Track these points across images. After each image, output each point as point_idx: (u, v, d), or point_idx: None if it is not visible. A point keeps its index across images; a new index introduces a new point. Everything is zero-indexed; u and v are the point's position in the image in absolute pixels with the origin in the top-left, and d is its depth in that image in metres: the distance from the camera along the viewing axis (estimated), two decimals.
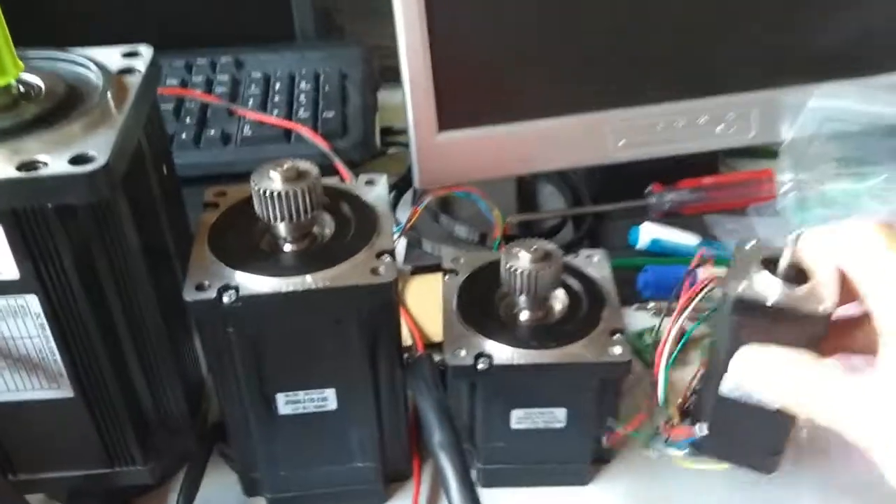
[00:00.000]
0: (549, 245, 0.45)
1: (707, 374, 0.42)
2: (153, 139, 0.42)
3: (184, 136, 0.69)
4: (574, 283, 0.48)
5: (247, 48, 0.79)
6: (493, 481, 0.48)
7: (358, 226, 0.42)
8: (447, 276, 0.49)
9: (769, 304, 0.37)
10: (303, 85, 0.75)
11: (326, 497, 0.47)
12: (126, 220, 0.38)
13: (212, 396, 0.50)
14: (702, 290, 0.42)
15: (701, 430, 0.42)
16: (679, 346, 0.43)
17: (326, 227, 0.43)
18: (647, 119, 0.60)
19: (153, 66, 0.42)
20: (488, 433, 0.46)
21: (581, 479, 0.49)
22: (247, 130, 0.69)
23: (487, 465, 0.48)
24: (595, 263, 0.49)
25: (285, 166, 0.39)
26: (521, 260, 0.44)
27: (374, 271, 0.39)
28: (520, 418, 0.45)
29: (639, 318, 0.58)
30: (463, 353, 0.44)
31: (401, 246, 0.65)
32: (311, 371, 0.42)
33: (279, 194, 0.39)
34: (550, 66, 0.58)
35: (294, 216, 0.39)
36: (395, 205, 0.69)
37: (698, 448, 0.43)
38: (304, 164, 0.40)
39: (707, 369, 0.42)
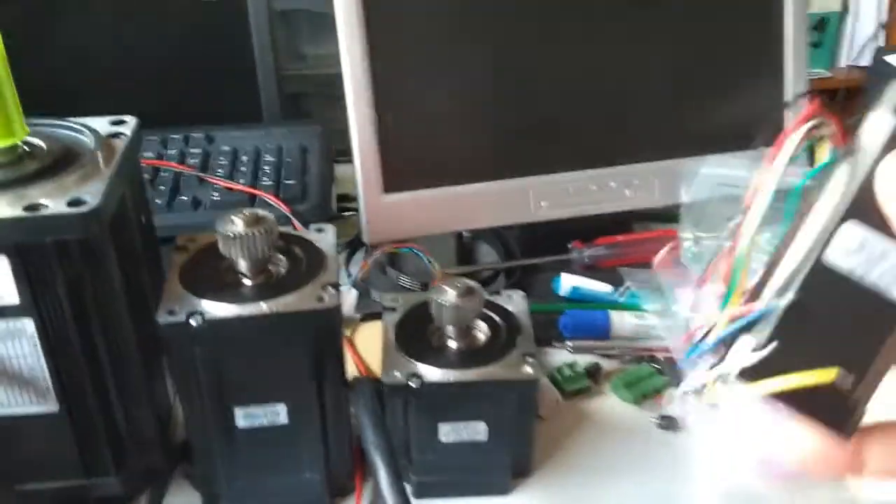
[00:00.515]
0: (472, 283, 0.53)
1: (799, 248, 0.28)
2: (135, 193, 0.50)
3: (158, 201, 0.77)
4: (495, 317, 0.56)
5: (217, 126, 0.88)
6: (425, 493, 0.55)
7: (308, 264, 0.50)
8: (386, 314, 0.57)
9: None
10: (267, 157, 0.83)
11: None
12: (111, 259, 0.46)
13: (178, 420, 0.57)
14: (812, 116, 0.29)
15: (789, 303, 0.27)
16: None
17: (281, 265, 0.51)
18: (564, 184, 0.69)
19: (136, 132, 0.50)
20: (420, 446, 0.53)
21: (503, 489, 0.55)
22: (215, 196, 0.78)
23: (421, 478, 0.54)
24: (514, 301, 0.58)
25: (246, 213, 0.47)
26: (448, 295, 0.52)
27: (320, 299, 0.47)
28: (447, 432, 0.53)
29: (558, 356, 0.66)
30: (398, 374, 0.51)
31: (352, 296, 0.72)
32: (265, 387, 0.49)
33: (240, 235, 0.46)
34: (480, 139, 0.68)
35: (253, 254, 0.47)
36: (348, 261, 0.77)
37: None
38: (262, 212, 0.48)
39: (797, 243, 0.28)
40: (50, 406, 0.47)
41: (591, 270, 0.72)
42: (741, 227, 0.29)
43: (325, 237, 0.53)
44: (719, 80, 0.71)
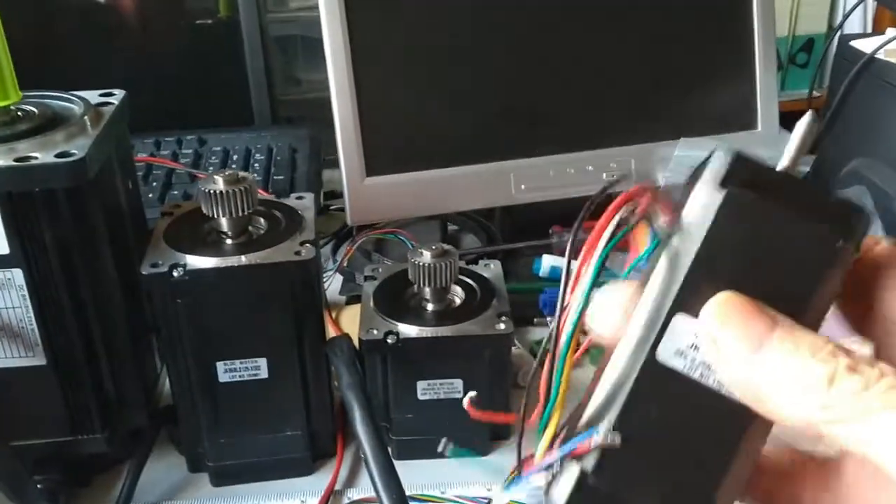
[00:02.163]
0: (447, 246, 0.55)
1: (623, 348, 0.24)
2: (121, 157, 0.53)
3: (151, 195, 0.79)
4: (471, 282, 0.57)
5: (209, 130, 0.91)
6: (405, 453, 0.56)
7: (286, 225, 0.52)
8: (366, 282, 0.59)
9: (782, 166, 0.23)
10: (257, 156, 0.86)
11: (261, 466, 0.54)
12: (97, 213, 0.48)
13: (164, 389, 0.58)
14: (626, 202, 0.24)
15: (610, 438, 0.23)
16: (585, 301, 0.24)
17: (261, 228, 0.53)
18: (543, 167, 0.71)
19: (124, 103, 0.53)
20: (399, 405, 0.55)
21: (482, 449, 0.57)
22: None
23: (400, 437, 0.55)
24: (491, 269, 0.59)
25: (227, 172, 0.49)
26: (425, 256, 0.54)
27: (297, 253, 0.49)
28: (424, 389, 0.54)
29: (538, 331, 0.68)
30: (375, 331, 0.53)
31: (337, 280, 0.74)
32: (246, 341, 0.50)
33: (222, 193, 0.49)
34: (461, 124, 0.70)
35: (233, 212, 0.49)
36: (334, 251, 0.79)
37: (576, 489, 0.23)
38: (243, 173, 0.50)
39: (623, 339, 0.24)
40: (38, 359, 0.49)
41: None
42: (560, 329, 0.24)
43: (304, 203, 0.55)
44: (694, 66, 0.73)
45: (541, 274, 0.72)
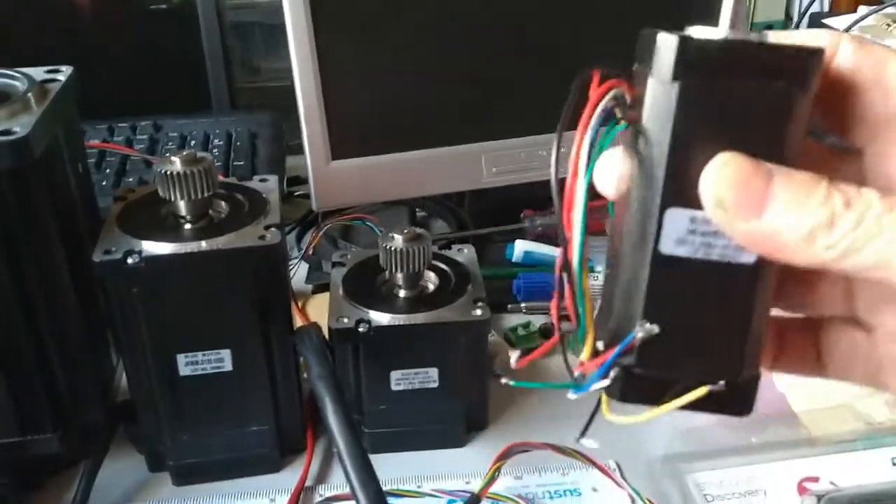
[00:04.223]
0: (420, 229, 0.52)
1: (624, 243, 0.25)
2: (71, 140, 0.49)
3: (104, 183, 0.75)
4: (444, 267, 0.55)
5: (165, 116, 0.87)
6: (378, 446, 0.53)
7: (250, 208, 0.49)
8: (334, 269, 0.56)
9: (727, 37, 0.23)
10: (216, 141, 0.83)
11: (226, 464, 0.51)
12: (43, 197, 0.44)
13: (121, 384, 0.55)
14: (609, 90, 0.24)
15: (646, 331, 0.24)
16: (590, 170, 0.24)
17: (222, 212, 0.50)
18: (514, 150, 0.69)
19: (72, 79, 0.49)
20: (372, 396, 0.52)
21: (457, 441, 0.54)
22: None
23: (373, 430, 0.53)
24: (464, 254, 0.57)
25: (184, 153, 0.46)
26: (396, 240, 0.51)
27: (262, 238, 0.46)
28: (398, 379, 0.51)
29: (513, 318, 0.65)
30: (346, 319, 0.50)
31: (303, 269, 0.71)
32: (208, 332, 0.47)
33: (178, 174, 0.46)
34: (429, 106, 0.68)
35: (192, 194, 0.46)
36: (299, 239, 0.76)
37: (628, 379, 0.25)
38: (201, 153, 0.47)
39: (622, 238, 0.25)
40: None
41: (543, 239, 0.71)
42: (570, 240, 0.24)
43: (268, 186, 0.52)
44: None
45: (514, 259, 0.70)
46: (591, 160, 0.24)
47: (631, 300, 0.24)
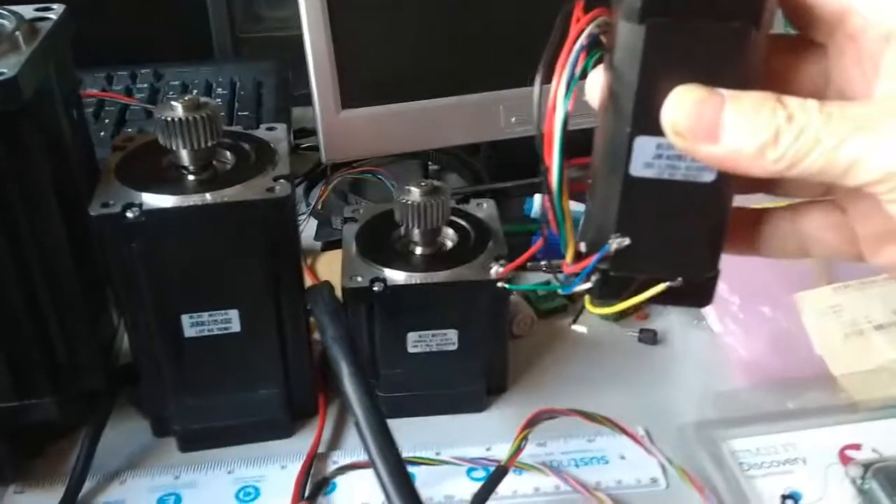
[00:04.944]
0: (438, 182, 0.49)
1: (600, 163, 0.28)
2: (64, 84, 0.46)
3: (102, 133, 0.72)
4: (463, 223, 0.52)
5: (166, 63, 0.83)
6: (394, 411, 0.50)
7: (257, 159, 0.46)
8: (346, 224, 0.53)
9: None
10: (219, 90, 0.79)
11: (234, 429, 0.49)
12: (35, 143, 0.41)
13: (122, 345, 0.52)
14: (594, 19, 0.27)
15: (618, 243, 0.28)
16: (566, 100, 0.26)
17: (227, 162, 0.46)
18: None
19: (64, 18, 0.46)
20: (387, 359, 0.49)
21: (477, 405, 0.52)
22: None
23: (388, 394, 0.50)
24: (484, 209, 0.54)
25: (186, 97, 0.43)
26: (413, 194, 0.48)
27: (270, 190, 0.43)
28: (415, 341, 0.49)
29: (532, 276, 0.62)
30: (360, 278, 0.47)
31: (312, 224, 0.68)
32: (215, 291, 0.44)
33: (180, 121, 0.42)
34: (444, 51, 0.64)
35: (195, 143, 0.43)
36: (307, 193, 0.73)
37: (605, 282, 0.29)
38: (205, 98, 0.44)
39: (598, 159, 0.28)
40: None
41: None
42: (549, 153, 0.27)
43: (276, 135, 0.49)
44: None
45: (532, 215, 0.67)
46: (568, 90, 0.26)
47: (606, 216, 0.28)
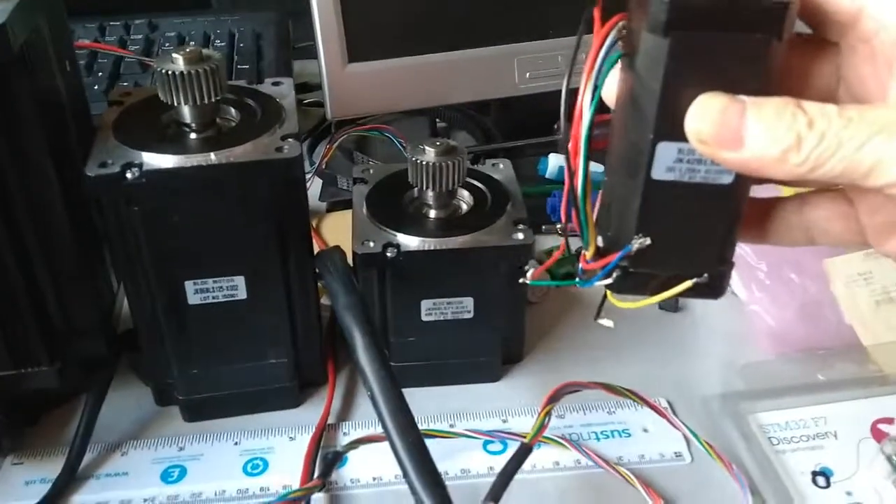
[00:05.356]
0: (453, 142, 0.46)
1: (620, 167, 0.29)
2: (56, 34, 0.43)
3: (96, 87, 0.69)
4: (479, 185, 0.49)
5: (161, 14, 0.80)
6: (405, 380, 0.48)
7: (263, 116, 0.43)
8: (356, 185, 0.50)
9: None
10: (217, 43, 0.76)
11: (240, 398, 0.47)
12: (26, 102, 0.38)
13: (123, 309, 0.50)
14: (615, 25, 0.27)
15: (637, 241, 0.29)
16: (593, 107, 0.27)
17: (232, 119, 0.44)
18: (552, 53, 0.62)
19: None
20: (399, 327, 0.47)
21: (492, 375, 0.50)
22: None
23: (400, 363, 0.48)
24: (500, 170, 0.51)
25: (188, 49, 0.40)
26: (428, 154, 0.45)
27: (279, 150, 0.40)
28: (429, 309, 0.46)
29: (548, 240, 0.60)
30: (371, 243, 0.45)
31: (316, 184, 0.65)
32: (220, 257, 0.42)
33: (182, 75, 0.39)
34: (457, 1, 0.60)
35: (197, 98, 0.40)
36: (311, 151, 0.70)
37: (625, 278, 0.30)
38: (207, 50, 0.41)
39: (616, 162, 0.29)
40: None
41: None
42: (574, 155, 0.28)
43: (282, 90, 0.46)
44: None
45: (547, 175, 0.64)
46: (594, 99, 0.27)
47: (627, 215, 0.29)
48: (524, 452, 0.36)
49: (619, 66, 0.27)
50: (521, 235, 0.45)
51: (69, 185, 0.42)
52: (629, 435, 0.45)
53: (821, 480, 0.42)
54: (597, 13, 0.27)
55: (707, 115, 0.25)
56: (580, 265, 0.31)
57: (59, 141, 0.42)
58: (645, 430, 0.46)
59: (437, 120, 0.74)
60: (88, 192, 0.39)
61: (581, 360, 0.51)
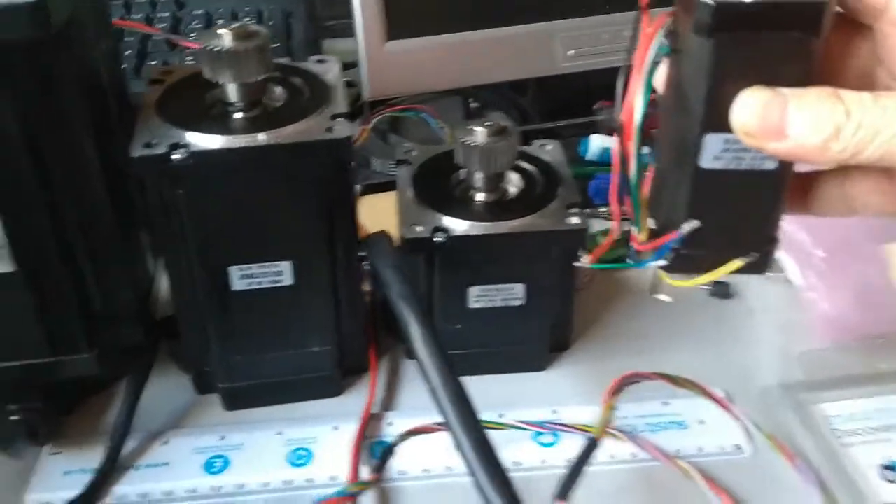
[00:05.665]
0: (505, 122, 0.45)
1: (670, 156, 0.31)
2: (96, 11, 0.41)
3: (124, 66, 0.67)
4: (528, 167, 0.48)
5: None
6: None
7: (311, 95, 0.42)
8: (400, 167, 0.49)
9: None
10: (245, 21, 0.73)
11: (282, 387, 0.46)
12: (68, 81, 0.37)
13: (160, 294, 0.49)
14: (662, 25, 0.29)
15: (689, 225, 0.30)
16: (645, 104, 0.29)
17: (277, 99, 0.42)
18: (595, 29, 0.60)
19: None
20: (446, 314, 0.46)
21: (540, 363, 0.48)
22: (189, 61, 0.68)
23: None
24: (549, 150, 0.50)
25: (235, 25, 0.38)
26: (477, 135, 0.43)
27: (329, 130, 0.39)
28: (477, 296, 0.45)
29: (592, 224, 0.58)
30: (419, 228, 0.43)
31: None
32: (266, 241, 0.41)
33: (228, 51, 0.38)
34: None
35: (244, 76, 0.38)
36: None
37: (677, 259, 0.32)
38: (255, 26, 0.39)
39: (665, 150, 0.31)
40: (2, 266, 0.38)
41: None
42: (628, 145, 0.30)
43: (328, 67, 0.44)
44: None
45: (587, 157, 0.62)
46: (645, 99, 0.29)
47: (678, 201, 0.30)
48: (591, 447, 0.34)
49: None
50: (575, 220, 0.43)
51: (110, 167, 0.40)
52: (685, 427, 0.44)
53: (889, 475, 0.40)
54: (645, 13, 0.29)
55: (751, 109, 0.27)
56: (632, 247, 0.33)
57: (101, 122, 0.40)
58: (701, 422, 0.44)
59: (470, 100, 0.72)
60: (132, 174, 0.38)
61: (629, 349, 0.49)
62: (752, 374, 0.47)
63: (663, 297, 0.37)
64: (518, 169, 0.47)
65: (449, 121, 0.62)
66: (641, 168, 0.31)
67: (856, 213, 0.33)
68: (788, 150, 0.27)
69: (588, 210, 0.59)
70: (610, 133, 0.64)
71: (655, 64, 0.29)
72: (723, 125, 0.28)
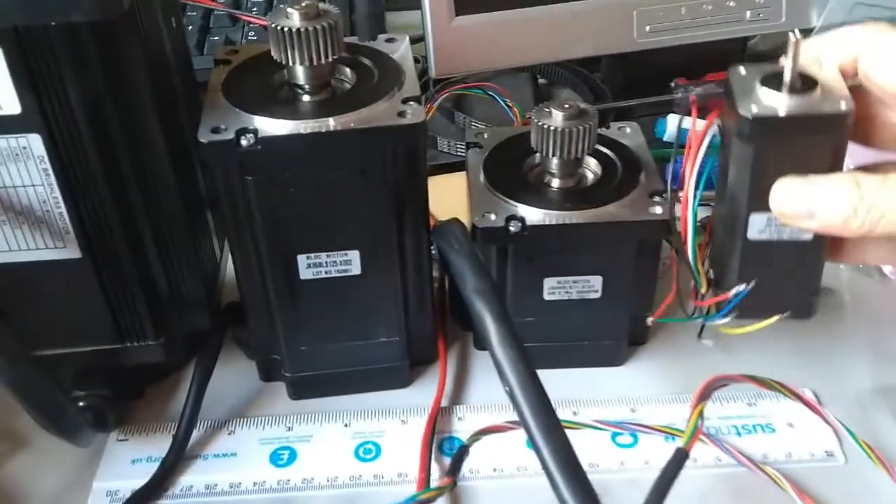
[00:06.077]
0: (583, 103, 0.42)
1: (723, 227, 0.37)
2: None
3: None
4: (607, 152, 0.45)
5: None
6: None
7: (381, 77, 0.40)
8: (471, 150, 0.47)
9: (783, 114, 0.32)
10: None
11: (349, 377, 0.44)
12: (136, 62, 0.35)
13: (226, 280, 0.48)
14: (712, 125, 0.36)
15: (747, 288, 0.36)
16: (699, 193, 0.36)
17: (347, 81, 0.40)
18: (673, 4, 0.57)
19: None
20: (519, 307, 0.44)
21: (617, 359, 0.46)
22: (251, 36, 0.67)
23: None
24: (628, 134, 0.47)
25: (304, 3, 0.37)
26: (554, 118, 0.41)
27: (401, 115, 0.37)
28: (553, 288, 0.43)
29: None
30: (493, 216, 0.41)
31: None
32: (335, 230, 0.39)
33: (298, 31, 0.36)
34: None
35: (313, 57, 0.37)
36: None
37: (737, 310, 0.37)
38: (325, 5, 0.37)
39: (720, 222, 0.37)
40: (70, 251, 0.38)
41: (702, 113, 0.60)
42: (684, 227, 0.37)
43: (398, 47, 0.42)
44: None
45: (665, 138, 0.59)
46: (698, 189, 0.36)
47: (730, 265, 0.36)
48: (680, 460, 0.32)
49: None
50: (659, 209, 0.41)
51: (175, 148, 0.39)
52: (773, 430, 0.41)
53: None
54: (694, 101, 0.37)
55: (784, 197, 0.33)
56: (692, 304, 0.39)
57: (168, 104, 0.39)
58: (790, 425, 0.42)
59: (538, 77, 0.69)
60: (201, 160, 0.37)
61: (713, 345, 0.47)
62: (843, 374, 0.44)
63: (707, 343, 0.41)
64: (596, 154, 0.45)
65: (516, 99, 0.60)
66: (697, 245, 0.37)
67: (871, 263, 0.45)
68: (816, 228, 0.33)
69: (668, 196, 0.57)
70: (687, 113, 0.61)
71: (705, 161, 0.35)
72: (765, 206, 0.34)
